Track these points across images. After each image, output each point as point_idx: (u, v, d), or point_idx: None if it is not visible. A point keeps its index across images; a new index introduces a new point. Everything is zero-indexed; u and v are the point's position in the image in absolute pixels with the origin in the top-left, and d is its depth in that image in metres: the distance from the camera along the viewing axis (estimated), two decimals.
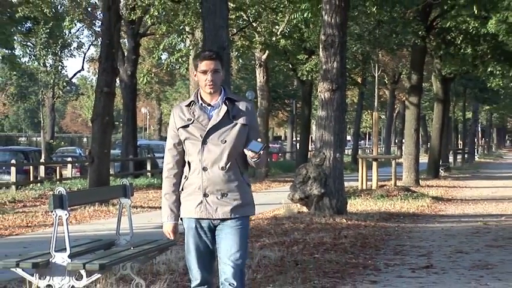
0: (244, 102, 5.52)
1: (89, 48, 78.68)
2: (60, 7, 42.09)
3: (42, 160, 32.06)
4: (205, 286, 5.46)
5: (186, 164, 5.46)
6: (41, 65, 46.23)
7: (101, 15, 28.50)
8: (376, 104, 29.42)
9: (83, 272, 6.75)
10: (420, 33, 29.21)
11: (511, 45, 29.79)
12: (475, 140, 75.96)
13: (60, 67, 49.77)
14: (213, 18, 15.47)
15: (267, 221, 15.55)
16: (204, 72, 5.40)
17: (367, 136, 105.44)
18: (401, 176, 30.34)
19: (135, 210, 18.42)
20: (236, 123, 5.40)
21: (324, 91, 17.09)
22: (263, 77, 37.61)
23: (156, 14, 29.54)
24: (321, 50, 17.35)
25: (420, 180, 31.34)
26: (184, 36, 30.86)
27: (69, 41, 57.08)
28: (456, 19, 30.40)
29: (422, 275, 9.91)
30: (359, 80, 45.31)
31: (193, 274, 5.45)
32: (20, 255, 7.35)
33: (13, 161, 26.42)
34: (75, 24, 40.43)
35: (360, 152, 48.04)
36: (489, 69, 34.22)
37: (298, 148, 47.92)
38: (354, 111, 66.84)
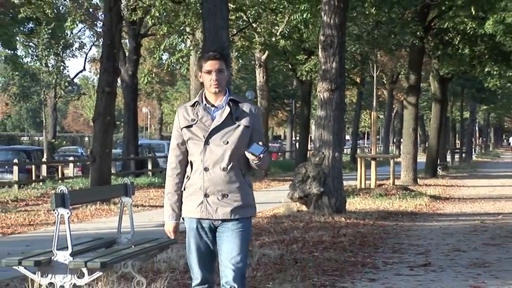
0: (248, 104, 5.49)
1: (90, 48, 78.60)
2: (62, 8, 42.12)
3: (44, 159, 32.15)
4: (206, 285, 5.46)
5: (189, 164, 5.45)
6: (43, 65, 46.24)
7: (103, 16, 28.56)
8: (374, 103, 29.43)
9: (84, 270, 6.77)
10: (418, 33, 29.22)
11: (508, 45, 29.81)
12: (473, 139, 75.90)
13: (62, 67, 49.68)
14: (213, 19, 15.49)
15: (266, 220, 15.54)
16: (209, 72, 5.39)
17: (366, 136, 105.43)
18: (399, 175, 30.32)
19: (136, 209, 18.39)
20: (239, 125, 5.38)
21: (323, 91, 17.10)
22: (263, 77, 37.66)
23: (157, 14, 29.60)
24: (320, 50, 17.37)
25: (418, 179, 31.35)
26: (185, 37, 30.89)
27: (71, 41, 57.11)
28: (454, 20, 30.49)
29: (420, 273, 9.91)
30: (358, 80, 45.29)
31: (194, 273, 5.45)
32: (22, 254, 7.40)
33: (15, 160, 26.50)
34: (77, 25, 40.32)
35: (358, 151, 48.05)
36: (486, 70, 34.23)
37: (297, 147, 47.89)
38: (352, 111, 66.90)
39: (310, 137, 47.54)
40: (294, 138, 67.17)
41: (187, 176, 5.45)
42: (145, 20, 33.72)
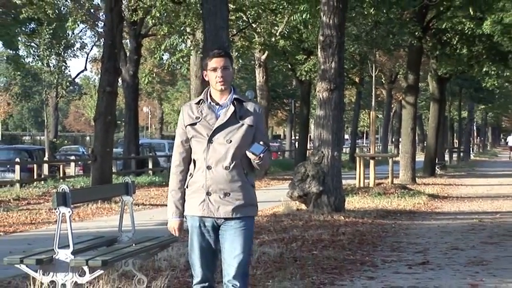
0: (252, 104, 5.51)
1: (91, 48, 79.02)
2: (63, 8, 42.13)
3: (45, 158, 32.28)
4: (207, 283, 5.47)
5: (192, 162, 5.45)
6: (45, 65, 46.41)
7: (104, 16, 28.61)
8: (373, 103, 29.48)
9: (85, 268, 6.80)
10: (417, 34, 29.19)
11: (505, 45, 29.81)
12: (471, 138, 75.78)
13: (63, 67, 49.88)
14: (214, 19, 15.54)
15: (266, 218, 15.56)
16: (214, 69, 5.41)
17: (365, 135, 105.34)
18: (398, 174, 30.35)
19: (137, 208, 18.31)
20: (243, 124, 5.40)
21: (322, 91, 17.14)
22: (262, 77, 37.69)
23: (158, 15, 29.62)
24: (319, 50, 17.41)
25: (417, 178, 31.30)
26: (185, 37, 30.89)
27: (72, 41, 57.06)
28: (452, 20, 30.54)
29: (419, 271, 9.95)
30: (357, 79, 45.30)
31: (196, 271, 5.46)
32: (24, 252, 7.44)
33: (17, 160, 26.59)
34: (78, 25, 40.43)
35: (357, 150, 48.08)
36: (484, 69, 34.26)
37: (297, 147, 47.93)
38: (351, 111, 66.90)
39: (310, 136, 47.63)
40: (293, 138, 67.27)
41: (190, 174, 5.46)
42: (146, 21, 33.74)
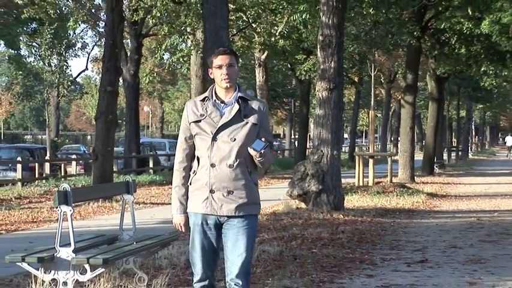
0: (257, 102, 5.52)
1: (92, 48, 79.18)
2: (65, 8, 42.21)
3: (47, 157, 32.29)
4: (207, 281, 5.46)
5: (195, 159, 5.44)
6: (46, 64, 46.42)
7: (105, 16, 28.63)
8: (372, 102, 29.58)
9: (87, 266, 6.84)
10: (415, 33, 29.18)
11: (503, 45, 29.79)
12: (469, 137, 75.73)
13: (64, 67, 49.88)
14: (214, 19, 15.55)
15: (266, 217, 15.57)
16: (220, 67, 5.39)
17: (364, 134, 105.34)
18: (397, 173, 30.36)
19: (137, 206, 18.29)
20: (247, 122, 5.39)
21: (321, 90, 17.17)
22: (262, 77, 37.74)
23: (158, 15, 29.64)
24: (318, 50, 17.45)
25: (415, 177, 31.32)
26: (186, 37, 30.91)
27: (73, 41, 57.16)
28: (450, 20, 30.56)
29: (418, 269, 9.98)
30: (356, 79, 45.30)
31: (196, 269, 5.45)
32: (25, 250, 7.46)
33: (19, 158, 26.63)
34: (79, 25, 40.52)
35: (356, 149, 48.05)
36: (482, 69, 34.22)
37: (296, 146, 47.98)
38: (350, 110, 66.85)
39: (309, 135, 47.73)
40: (293, 137, 67.27)
41: (194, 171, 5.45)
42: (146, 20, 33.73)
